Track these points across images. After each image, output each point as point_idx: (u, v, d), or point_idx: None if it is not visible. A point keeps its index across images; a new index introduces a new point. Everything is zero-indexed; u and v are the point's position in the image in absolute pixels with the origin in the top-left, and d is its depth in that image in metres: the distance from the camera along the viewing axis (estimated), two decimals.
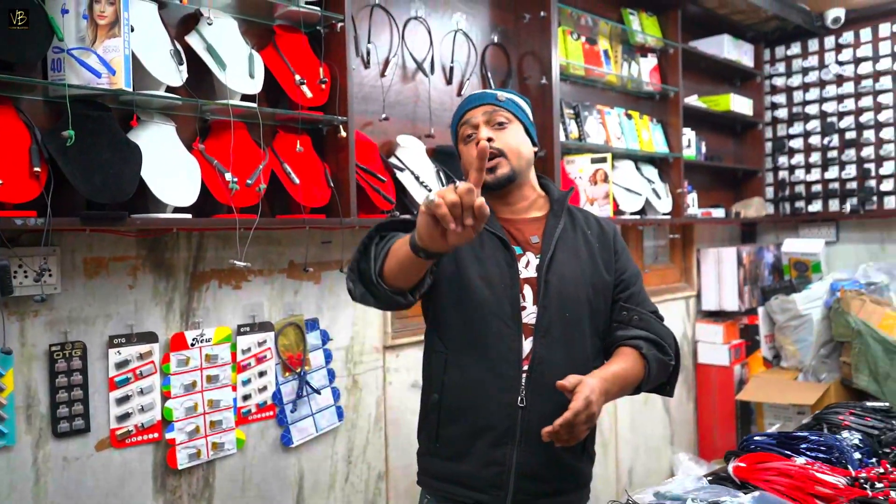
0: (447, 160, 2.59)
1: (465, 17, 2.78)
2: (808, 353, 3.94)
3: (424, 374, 1.67)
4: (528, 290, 1.56)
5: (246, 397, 2.12)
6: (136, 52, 1.74)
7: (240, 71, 1.97)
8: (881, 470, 1.72)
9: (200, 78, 1.94)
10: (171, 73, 1.83)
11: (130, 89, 1.70)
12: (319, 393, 2.28)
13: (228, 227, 1.90)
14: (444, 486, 1.60)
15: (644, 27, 3.55)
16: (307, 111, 2.11)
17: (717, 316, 4.20)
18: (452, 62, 2.71)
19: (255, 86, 2.00)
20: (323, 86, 2.12)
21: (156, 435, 1.93)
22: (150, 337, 1.93)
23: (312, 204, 2.08)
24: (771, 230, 4.66)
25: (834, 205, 4.23)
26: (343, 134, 2.13)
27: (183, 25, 1.97)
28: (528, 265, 1.58)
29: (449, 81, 2.71)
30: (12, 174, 1.56)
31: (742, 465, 1.77)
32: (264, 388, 2.16)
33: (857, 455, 1.83)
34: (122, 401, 1.87)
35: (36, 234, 1.63)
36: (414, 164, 2.45)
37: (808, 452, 1.83)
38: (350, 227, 2.20)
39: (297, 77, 2.07)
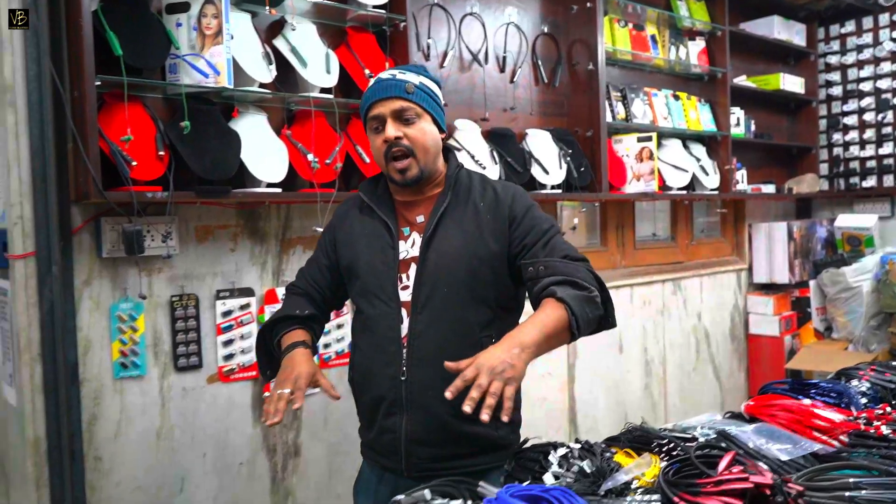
0: (501, 141, 2.89)
1: (517, 10, 3.06)
2: (858, 324, 4.07)
3: None
4: (413, 270, 1.63)
5: (326, 346, 2.49)
6: (235, 55, 2.11)
7: (318, 68, 2.32)
8: (880, 411, 1.93)
9: (286, 75, 2.30)
10: (263, 72, 2.20)
11: (232, 86, 2.07)
12: None
13: (311, 200, 2.27)
14: (365, 450, 1.78)
15: (692, 12, 3.73)
16: None
17: (768, 288, 4.36)
18: (505, 52, 3.00)
19: (332, 80, 2.35)
20: None
21: (254, 373, 2.32)
22: (249, 292, 2.32)
23: None
24: (826, 206, 4.75)
25: (889, 180, 4.31)
26: None
27: (270, 31, 2.33)
28: (414, 245, 1.65)
29: (502, 70, 3.01)
30: (143, 157, 1.96)
31: (752, 403, 2.02)
32: (341, 339, 2.53)
33: (863, 400, 2.04)
34: (226, 343, 2.27)
35: (159, 205, 2.03)
36: (470, 144, 2.76)
37: (816, 396, 2.05)
38: None
39: (367, 71, 2.41)
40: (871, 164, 4.35)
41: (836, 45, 4.47)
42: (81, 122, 1.86)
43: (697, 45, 3.78)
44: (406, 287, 1.63)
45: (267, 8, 2.20)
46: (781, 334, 4.21)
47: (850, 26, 4.40)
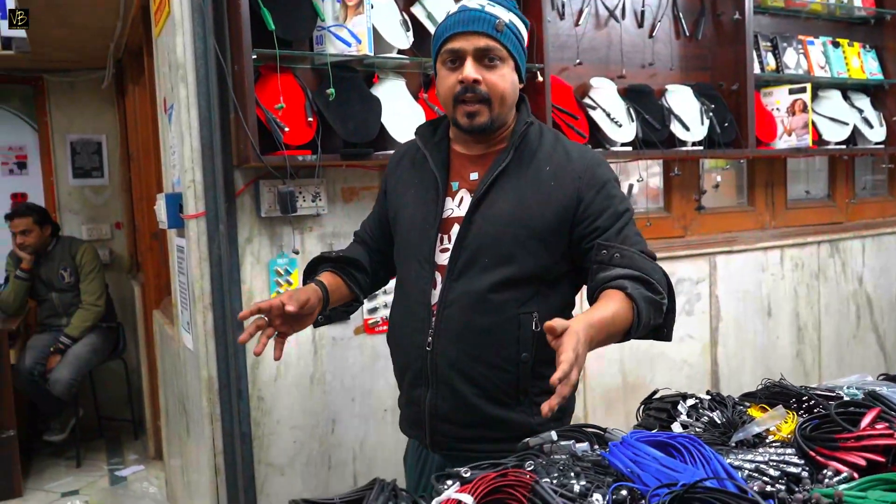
0: (638, 98, 2.83)
1: None
2: None
3: None
4: (455, 231, 1.49)
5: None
6: (375, 24, 2.22)
7: None
8: None
9: (423, 40, 2.38)
10: (401, 39, 2.30)
11: (372, 54, 2.19)
12: None
13: None
14: (400, 418, 1.68)
15: None
16: None
17: None
18: (643, 6, 2.92)
19: None
20: None
21: None
22: None
23: None
24: None
25: None
26: (540, 79, 2.48)
27: None
28: (462, 203, 1.50)
29: (640, 25, 2.93)
30: (294, 123, 2.13)
31: None
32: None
33: None
34: (370, 298, 2.42)
35: (309, 168, 2.20)
36: (606, 102, 2.73)
37: None
38: None
39: None
40: None
41: None
42: (241, 93, 2.05)
43: None
44: (446, 249, 1.49)
45: None
46: None
47: None
